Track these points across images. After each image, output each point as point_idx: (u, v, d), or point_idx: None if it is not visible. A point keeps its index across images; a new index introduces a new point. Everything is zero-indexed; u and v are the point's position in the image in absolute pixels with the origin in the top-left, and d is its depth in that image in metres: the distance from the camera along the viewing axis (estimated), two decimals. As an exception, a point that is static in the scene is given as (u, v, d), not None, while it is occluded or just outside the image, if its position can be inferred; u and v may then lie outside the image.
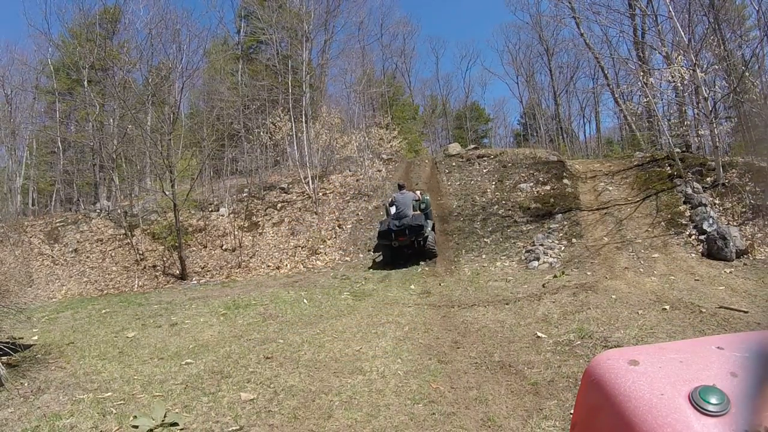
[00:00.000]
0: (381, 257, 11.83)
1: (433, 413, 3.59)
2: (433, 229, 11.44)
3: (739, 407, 0.70)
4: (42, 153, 25.35)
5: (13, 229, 16.29)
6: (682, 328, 5.18)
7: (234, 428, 3.55)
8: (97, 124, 22.07)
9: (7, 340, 5.93)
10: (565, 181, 14.26)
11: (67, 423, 3.82)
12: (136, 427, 3.61)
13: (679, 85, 12.43)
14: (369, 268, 11.60)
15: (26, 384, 4.89)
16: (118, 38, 26.83)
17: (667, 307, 5.98)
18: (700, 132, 13.78)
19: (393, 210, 11.14)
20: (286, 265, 13.34)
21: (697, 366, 0.81)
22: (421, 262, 11.21)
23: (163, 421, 3.64)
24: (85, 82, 24.07)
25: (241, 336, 6.37)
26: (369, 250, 13.20)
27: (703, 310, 5.78)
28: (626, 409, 0.76)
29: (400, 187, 12.00)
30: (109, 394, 4.45)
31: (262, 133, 19.07)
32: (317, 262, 13.23)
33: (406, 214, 10.77)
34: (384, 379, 4.42)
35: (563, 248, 10.72)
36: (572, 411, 3.49)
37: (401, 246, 10.99)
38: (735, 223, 9.88)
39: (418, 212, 11.03)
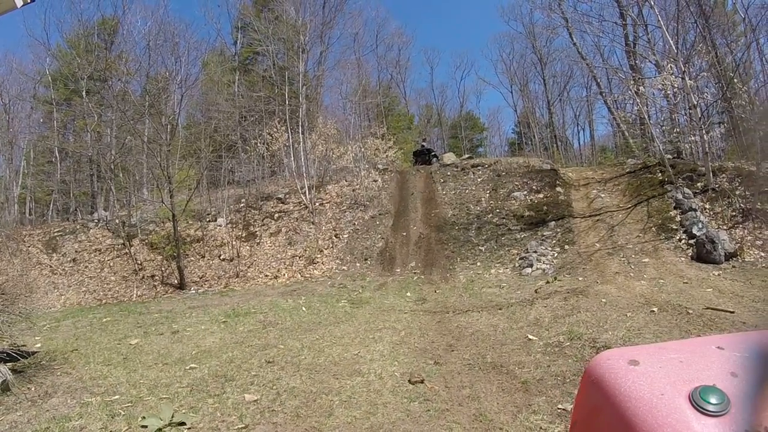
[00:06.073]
0: (414, 164, 22.51)
1: (428, 410, 3.77)
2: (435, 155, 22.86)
3: (739, 407, 0.70)
4: (39, 162, 25.41)
5: (11, 238, 16.35)
6: (669, 329, 5.39)
7: (239, 426, 3.71)
8: (94, 134, 22.25)
9: (11, 348, 6.04)
10: (558, 189, 14.52)
11: (76, 424, 3.96)
12: (145, 426, 3.76)
13: (669, 93, 12.74)
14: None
15: (33, 389, 5.01)
16: (116, 49, 27.09)
17: (655, 309, 6.20)
18: (690, 138, 14.06)
19: (417, 148, 23.98)
20: (284, 274, 13.49)
21: (697, 366, 0.81)
22: (416, 270, 11.54)
23: (171, 420, 3.79)
24: (83, 92, 24.25)
25: (242, 342, 6.52)
26: (366, 259, 13.38)
27: (690, 312, 6.00)
28: (626, 409, 0.76)
29: (422, 140, 25.95)
30: (117, 397, 4.59)
31: (259, 144, 19.26)
32: (315, 271, 13.38)
33: (426, 147, 23.24)
34: (381, 380, 4.59)
35: (556, 255, 10.95)
36: (560, 406, 3.69)
37: (423, 160, 21.66)
38: (725, 227, 10.12)
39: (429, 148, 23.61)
